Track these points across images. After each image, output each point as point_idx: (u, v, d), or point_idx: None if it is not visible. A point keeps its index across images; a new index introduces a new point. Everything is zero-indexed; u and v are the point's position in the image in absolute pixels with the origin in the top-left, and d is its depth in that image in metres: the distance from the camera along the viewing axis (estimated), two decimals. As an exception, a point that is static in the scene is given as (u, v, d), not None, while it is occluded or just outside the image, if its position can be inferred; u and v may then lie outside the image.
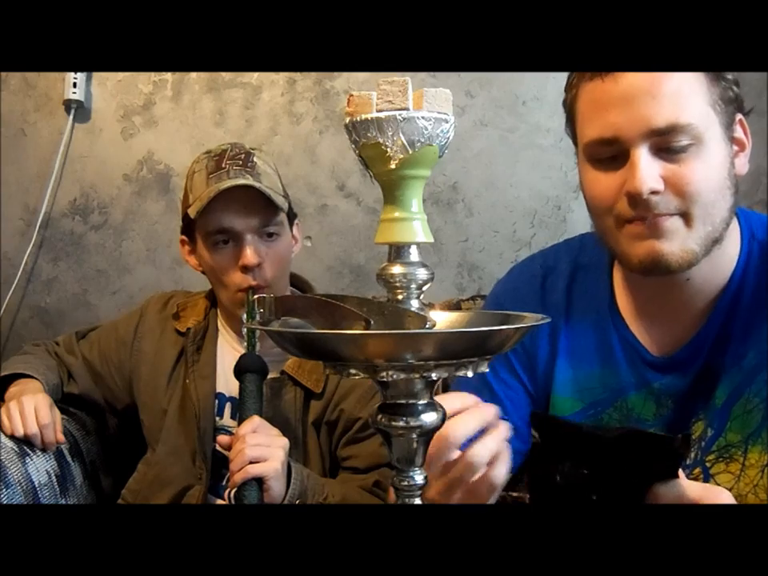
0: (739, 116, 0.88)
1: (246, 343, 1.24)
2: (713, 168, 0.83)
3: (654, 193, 0.81)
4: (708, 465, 0.92)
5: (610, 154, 0.84)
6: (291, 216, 1.35)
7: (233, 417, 1.36)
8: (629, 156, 0.82)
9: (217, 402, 1.36)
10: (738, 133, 0.88)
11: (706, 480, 0.91)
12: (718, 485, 0.90)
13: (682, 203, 0.82)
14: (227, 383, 1.37)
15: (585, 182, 0.90)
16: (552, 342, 0.98)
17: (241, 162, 1.26)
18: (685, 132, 0.81)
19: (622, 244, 0.86)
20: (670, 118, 0.80)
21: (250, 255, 1.24)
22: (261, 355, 1.24)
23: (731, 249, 0.91)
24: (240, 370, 1.20)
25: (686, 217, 0.83)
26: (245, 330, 1.26)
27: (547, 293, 1.00)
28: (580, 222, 1.80)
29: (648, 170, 0.81)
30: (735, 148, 0.87)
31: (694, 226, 0.83)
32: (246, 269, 1.25)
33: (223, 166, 1.25)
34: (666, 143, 0.81)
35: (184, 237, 1.35)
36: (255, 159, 1.28)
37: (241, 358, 1.21)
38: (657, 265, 0.83)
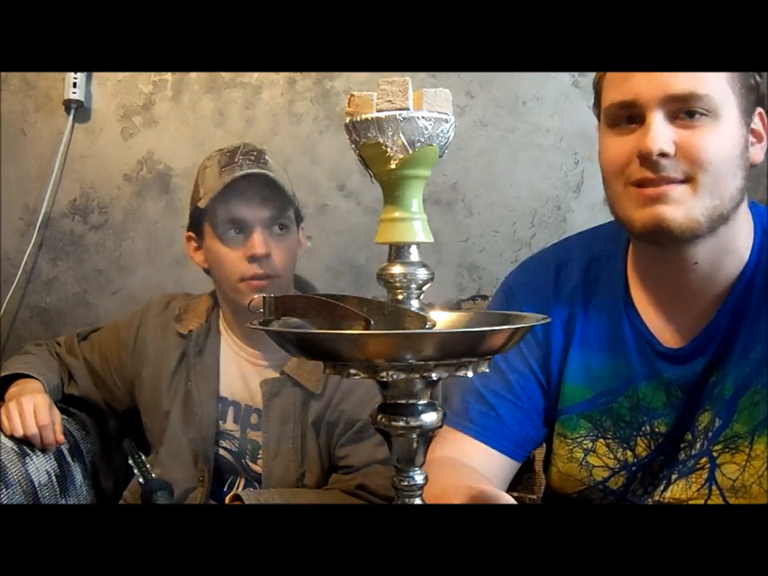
0: (759, 109, 0.90)
1: (137, 471, 1.33)
2: (725, 143, 0.85)
3: (664, 155, 0.83)
4: (715, 455, 0.93)
5: (628, 117, 0.87)
6: (298, 218, 1.35)
7: (235, 421, 1.36)
8: (645, 120, 0.85)
9: (220, 405, 1.37)
10: (757, 125, 0.90)
11: (712, 469, 0.93)
12: (724, 475, 0.92)
13: (691, 169, 0.84)
14: (230, 387, 1.37)
15: (601, 147, 0.92)
16: (567, 333, 0.99)
17: (253, 158, 1.28)
18: (702, 102, 0.83)
19: (628, 208, 0.88)
20: (689, 86, 0.83)
21: (258, 245, 1.25)
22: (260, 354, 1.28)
23: (743, 241, 0.92)
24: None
25: (692, 184, 0.84)
26: (130, 454, 1.36)
27: (562, 284, 1.01)
28: (580, 222, 1.79)
29: (661, 132, 0.83)
30: (752, 139, 0.89)
31: (699, 195, 0.84)
32: (253, 258, 1.25)
33: (236, 160, 1.27)
34: (682, 110, 0.84)
35: (191, 233, 1.36)
36: (267, 157, 1.30)
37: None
38: (659, 229, 0.85)
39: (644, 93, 0.84)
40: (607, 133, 0.90)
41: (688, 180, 0.84)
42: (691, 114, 0.84)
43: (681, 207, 0.84)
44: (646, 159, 0.84)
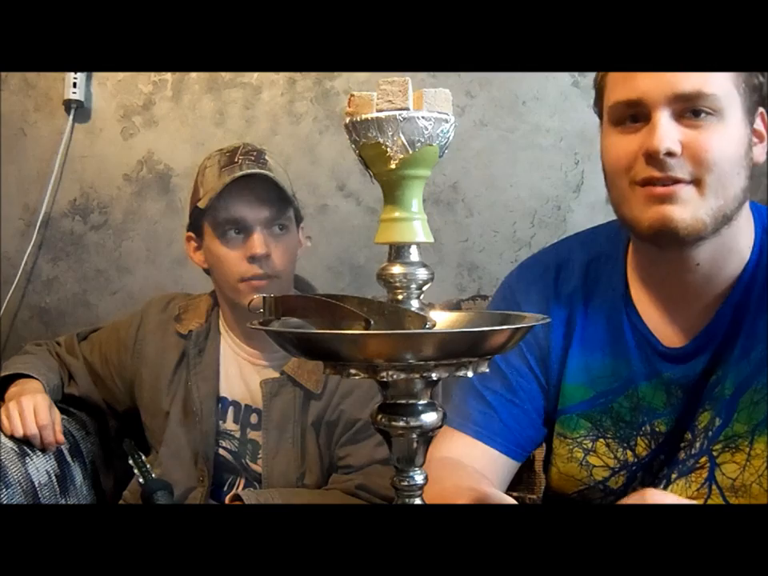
0: (761, 109, 0.90)
1: (137, 471, 1.34)
2: (730, 142, 0.85)
3: (670, 154, 0.83)
4: (714, 454, 0.93)
5: (633, 116, 0.87)
6: (298, 218, 1.36)
7: (235, 421, 1.36)
8: (650, 119, 0.85)
9: (220, 405, 1.37)
10: (758, 125, 0.90)
11: (712, 469, 0.93)
12: (724, 474, 0.92)
13: (697, 170, 0.84)
14: (230, 387, 1.37)
15: (605, 146, 0.92)
16: (567, 333, 0.99)
17: (253, 158, 1.28)
18: (708, 101, 0.83)
19: (634, 208, 0.87)
20: (695, 85, 0.83)
21: (258, 245, 1.25)
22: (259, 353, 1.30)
23: (744, 240, 0.92)
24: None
25: (699, 185, 0.84)
26: (130, 454, 1.37)
27: (562, 284, 1.01)
28: (580, 222, 1.79)
29: (667, 131, 0.83)
30: (754, 139, 0.89)
31: (706, 196, 0.84)
32: (253, 258, 1.26)
33: (236, 160, 1.28)
34: (688, 109, 0.84)
35: (190, 233, 1.36)
36: (267, 157, 1.30)
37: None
38: (665, 229, 0.84)
39: (651, 91, 0.84)
40: (611, 131, 0.90)
41: (695, 181, 0.84)
42: (697, 113, 0.84)
43: (688, 208, 0.84)
44: (653, 158, 0.84)
